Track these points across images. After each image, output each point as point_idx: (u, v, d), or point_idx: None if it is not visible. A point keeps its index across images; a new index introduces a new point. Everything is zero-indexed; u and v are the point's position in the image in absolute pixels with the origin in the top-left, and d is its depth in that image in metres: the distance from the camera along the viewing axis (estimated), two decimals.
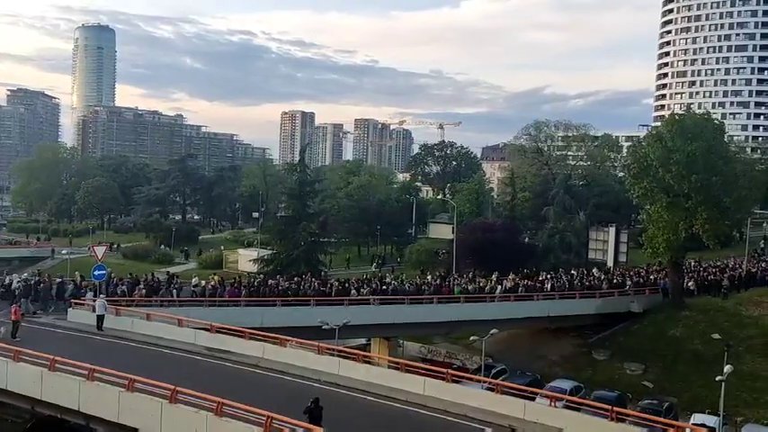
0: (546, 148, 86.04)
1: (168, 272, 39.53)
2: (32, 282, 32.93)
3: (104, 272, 32.38)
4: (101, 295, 29.60)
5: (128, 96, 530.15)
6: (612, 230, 55.61)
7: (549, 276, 45.02)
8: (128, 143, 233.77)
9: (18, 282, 32.83)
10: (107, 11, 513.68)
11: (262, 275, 48.03)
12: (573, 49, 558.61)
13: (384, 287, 38.51)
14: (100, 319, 27.91)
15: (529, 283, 42.51)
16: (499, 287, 40.78)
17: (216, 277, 37.59)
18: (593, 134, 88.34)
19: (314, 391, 21.67)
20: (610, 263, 54.36)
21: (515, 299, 39.82)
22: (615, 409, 19.78)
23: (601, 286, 43.85)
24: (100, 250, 34.78)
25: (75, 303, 29.88)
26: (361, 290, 37.24)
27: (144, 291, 32.75)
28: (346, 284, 38.30)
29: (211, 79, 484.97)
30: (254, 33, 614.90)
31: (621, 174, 76.51)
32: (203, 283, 35.48)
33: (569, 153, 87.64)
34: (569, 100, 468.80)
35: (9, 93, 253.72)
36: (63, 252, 56.05)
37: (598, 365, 39.01)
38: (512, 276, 44.01)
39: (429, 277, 45.89)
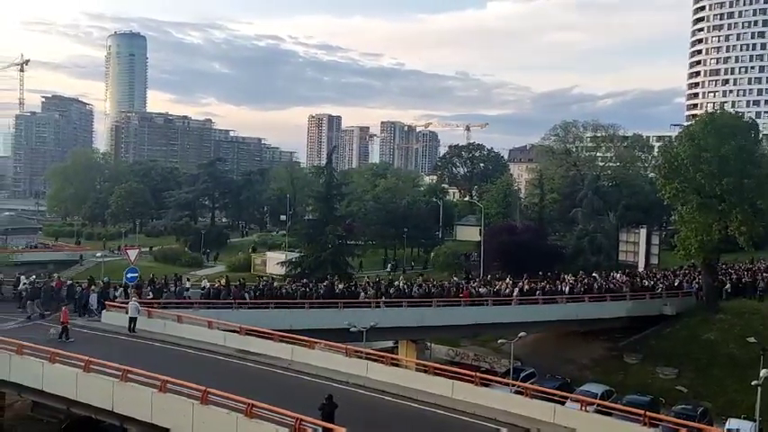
0: (574, 149, 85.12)
1: (179, 275, 39.80)
2: (40, 284, 33.47)
3: (137, 274, 33.00)
4: (133, 298, 30.13)
5: (158, 102, 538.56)
6: (644, 232, 54.87)
7: (568, 279, 44.42)
8: (158, 148, 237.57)
9: (24, 284, 33.42)
10: (138, 18, 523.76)
11: (286, 278, 48.41)
12: (600, 49, 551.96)
13: (391, 290, 38.24)
14: (132, 320, 28.41)
15: (547, 286, 41.82)
16: (516, 290, 40.42)
17: (222, 279, 37.91)
18: (622, 134, 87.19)
19: (342, 393, 21.83)
20: (641, 265, 53.60)
21: (544, 302, 39.46)
22: (648, 413, 19.47)
23: (622, 289, 43.09)
24: (133, 253, 35.42)
25: (110, 306, 30.42)
26: (368, 292, 37.19)
27: (151, 293, 33.17)
28: (354, 287, 38.26)
29: (239, 84, 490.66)
30: (281, 38, 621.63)
31: (652, 174, 75.30)
32: (207, 284, 35.85)
33: (598, 154, 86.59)
34: (597, 100, 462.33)
35: (44, 99, 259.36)
36: (97, 255, 57.23)
37: (630, 369, 38.42)
38: (526, 279, 43.68)
39: (455, 279, 45.80)
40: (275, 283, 38.58)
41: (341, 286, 38.03)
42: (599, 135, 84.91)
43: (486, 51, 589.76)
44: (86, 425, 24.98)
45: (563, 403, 21.38)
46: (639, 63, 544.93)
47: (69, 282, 35.04)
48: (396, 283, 41.34)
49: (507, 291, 40.49)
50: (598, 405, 21.86)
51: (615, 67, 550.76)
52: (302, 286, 37.36)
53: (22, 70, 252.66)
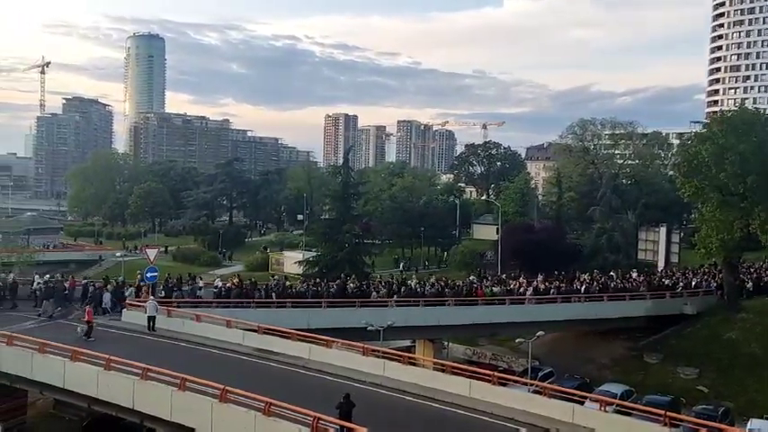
0: (592, 147, 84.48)
1: (192, 275, 40.11)
2: (53, 283, 33.81)
3: (156, 273, 33.27)
4: (151, 297, 30.42)
5: (177, 103, 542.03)
6: (663, 230, 54.26)
7: (584, 278, 44.04)
8: (177, 148, 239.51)
9: (38, 283, 33.76)
10: (157, 20, 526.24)
11: (304, 277, 48.59)
12: (619, 46, 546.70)
13: (402, 289, 38.05)
14: (151, 319, 28.70)
15: (562, 285, 41.41)
16: (530, 289, 40.18)
17: (234, 279, 38.09)
18: (641, 132, 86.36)
19: (360, 392, 21.87)
20: (661, 264, 53.03)
21: (562, 301, 39.23)
22: (668, 414, 19.27)
23: (639, 288, 42.65)
24: (152, 253, 35.69)
25: (130, 305, 30.75)
26: (380, 291, 37.13)
27: (163, 291, 33.43)
28: (366, 287, 38.21)
29: (256, 84, 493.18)
30: (297, 38, 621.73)
31: (672, 172, 74.53)
32: (220, 284, 36.02)
33: (617, 152, 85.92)
34: (616, 97, 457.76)
35: (65, 101, 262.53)
36: (117, 254, 57.91)
37: (650, 369, 38.02)
38: (541, 278, 43.40)
39: (471, 278, 45.62)
40: (287, 282, 38.63)
41: (351, 285, 38.02)
42: (617, 133, 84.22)
43: (504, 49, 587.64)
44: (108, 423, 25.32)
45: (582, 403, 21.23)
46: (659, 59, 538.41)
47: (83, 281, 35.35)
48: (408, 282, 41.17)
49: (521, 290, 40.26)
50: (618, 405, 21.68)
51: (634, 64, 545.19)
52: (313, 285, 37.42)
53: (43, 72, 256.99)
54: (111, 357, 21.40)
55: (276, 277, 41.84)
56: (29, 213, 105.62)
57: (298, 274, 54.94)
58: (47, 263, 60.77)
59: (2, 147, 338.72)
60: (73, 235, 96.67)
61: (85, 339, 26.16)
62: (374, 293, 36.72)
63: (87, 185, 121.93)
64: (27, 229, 76.82)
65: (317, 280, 40.00)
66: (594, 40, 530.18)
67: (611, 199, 65.63)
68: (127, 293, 32.39)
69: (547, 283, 41.47)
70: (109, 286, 33.42)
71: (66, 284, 34.22)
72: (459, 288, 39.26)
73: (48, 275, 36.74)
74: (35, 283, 33.87)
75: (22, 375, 23.95)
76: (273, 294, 34.68)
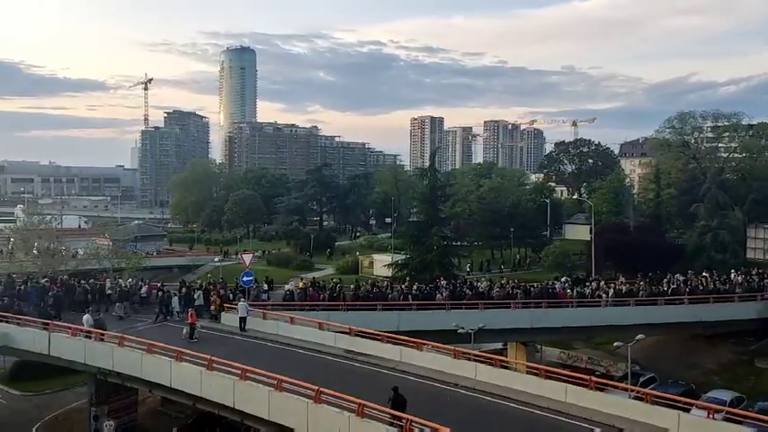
0: (693, 141, 79.94)
1: (269, 278, 41.39)
2: (127, 287, 35.47)
3: (252, 277, 34.58)
4: (242, 299, 31.60)
5: (268, 112, 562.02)
6: None
7: (676, 279, 41.61)
8: (268, 156, 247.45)
9: (110, 288, 35.47)
10: (249, 33, 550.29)
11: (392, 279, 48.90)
12: (720, 33, 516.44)
13: (468, 291, 37.33)
14: (242, 320, 29.94)
15: (650, 287, 39.32)
16: (611, 290, 38.38)
17: (302, 282, 38.58)
18: (747, 123, 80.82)
19: (451, 396, 21.80)
20: None
21: (665, 302, 37.39)
22: None
23: (734, 290, 39.82)
24: (247, 257, 37.08)
25: (228, 307, 32.06)
26: (443, 293, 36.53)
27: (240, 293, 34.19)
28: (431, 289, 37.56)
29: (343, 90, 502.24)
30: (382, 43, 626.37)
31: None
32: (292, 287, 36.62)
33: (720, 145, 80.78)
34: (718, 87, 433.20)
35: (166, 115, 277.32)
36: (215, 259, 60.62)
37: (762, 375, 35.74)
38: (622, 279, 41.33)
39: (564, 279, 44.29)
40: (350, 286, 38.86)
41: (414, 287, 37.71)
42: (720, 125, 79.16)
43: (593, 43, 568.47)
44: (210, 420, 26.52)
45: (688, 410, 20.12)
46: (763, 45, 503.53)
47: (158, 285, 36.84)
48: (477, 284, 40.27)
49: (598, 293, 38.53)
50: (727, 413, 20.39)
51: (737, 51, 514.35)
52: (376, 288, 37.50)
53: (146, 88, 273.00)
54: (213, 358, 22.36)
55: (334, 280, 42.31)
56: (136, 222, 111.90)
57: (387, 277, 55.34)
58: (153, 268, 64.25)
59: (111, 160, 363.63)
60: (175, 241, 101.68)
61: (189, 340, 27.53)
62: (438, 296, 36.40)
63: (187, 194, 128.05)
64: (135, 236, 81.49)
65: (383, 283, 39.98)
66: (691, 28, 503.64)
67: (716, 195, 61.85)
68: (195, 297, 33.48)
69: (628, 285, 39.61)
70: (184, 291, 34.62)
71: (144, 288, 35.83)
72: (534, 290, 38.14)
73: (131, 279, 38.74)
74: (107, 287, 35.69)
75: (132, 374, 25.49)
76: (335, 296, 35.23)
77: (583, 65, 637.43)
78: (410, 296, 36.11)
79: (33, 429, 32.36)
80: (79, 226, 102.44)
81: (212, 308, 32.46)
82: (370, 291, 36.59)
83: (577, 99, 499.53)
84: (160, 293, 34.34)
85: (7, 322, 28.71)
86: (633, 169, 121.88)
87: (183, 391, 23.61)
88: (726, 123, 78.72)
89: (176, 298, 33.33)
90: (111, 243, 65.36)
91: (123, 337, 25.70)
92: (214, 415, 24.17)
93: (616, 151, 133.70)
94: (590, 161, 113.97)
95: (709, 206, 61.28)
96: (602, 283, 41.29)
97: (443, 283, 39.07)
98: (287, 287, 37.22)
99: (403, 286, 37.99)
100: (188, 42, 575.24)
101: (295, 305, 33.70)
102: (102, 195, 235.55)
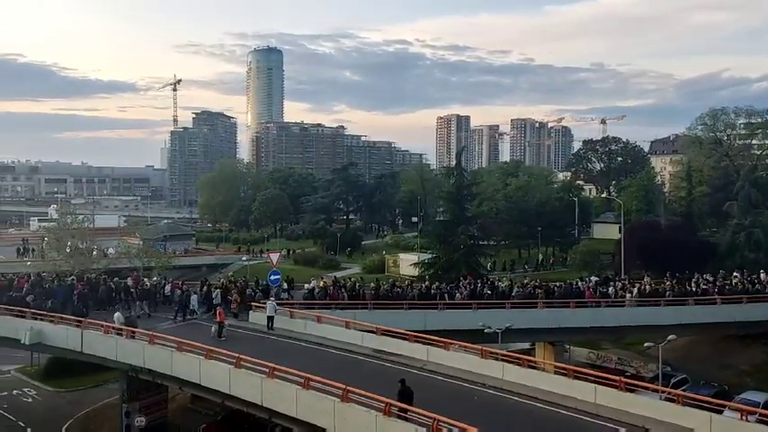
0: (725, 138, 78.45)
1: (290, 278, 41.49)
2: (148, 286, 35.62)
3: (279, 276, 34.85)
4: (271, 298, 31.84)
5: (294, 111, 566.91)
6: None
7: (705, 279, 40.74)
8: (295, 155, 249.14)
9: (132, 286, 35.59)
10: (276, 34, 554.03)
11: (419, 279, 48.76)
12: (753, 28, 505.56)
13: (488, 291, 36.95)
14: (270, 319, 30.20)
15: (676, 287, 38.56)
16: (635, 290, 37.75)
17: (323, 281, 38.82)
18: None
19: (479, 395, 21.70)
20: None
21: (695, 302, 36.75)
22: None
23: (764, 290, 38.84)
24: (275, 257, 37.40)
25: (256, 306, 32.34)
26: (463, 293, 36.29)
27: (259, 293, 34.57)
28: (451, 288, 37.33)
29: (369, 90, 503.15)
30: (408, 42, 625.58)
31: None
32: (313, 285, 36.62)
33: (754, 142, 79.21)
34: (752, 83, 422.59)
35: (194, 115, 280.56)
36: (243, 258, 61.26)
37: None
38: (647, 279, 40.51)
39: (593, 278, 43.70)
40: (370, 284, 38.75)
41: (433, 286, 37.49)
42: (754, 122, 77.51)
43: (622, 39, 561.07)
44: (239, 418, 26.79)
45: (720, 412, 19.74)
46: None
47: (179, 283, 36.87)
48: (497, 284, 39.77)
49: (620, 293, 37.95)
50: (760, 414, 19.94)
51: None
52: (396, 287, 37.40)
53: (175, 90, 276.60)
54: (241, 356, 22.57)
55: (353, 279, 42.27)
56: (165, 221, 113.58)
57: (413, 276, 55.29)
58: (182, 267, 65.16)
59: (141, 160, 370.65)
60: (204, 241, 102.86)
61: (217, 339, 27.85)
62: (458, 295, 36.24)
63: (215, 194, 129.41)
64: (164, 235, 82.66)
65: (400, 282, 39.70)
66: (723, 23, 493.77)
67: (749, 193, 60.49)
68: (213, 296, 33.63)
69: (653, 285, 38.93)
70: (204, 290, 34.70)
71: (168, 287, 35.84)
72: (558, 290, 37.68)
73: (156, 278, 39.15)
74: (130, 286, 35.82)
75: (163, 372, 25.87)
76: (354, 295, 35.36)
77: (612, 62, 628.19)
78: (429, 295, 35.93)
79: (66, 425, 33.06)
80: (119, 225, 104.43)
81: (232, 307, 32.64)
82: (389, 290, 36.57)
83: (606, 96, 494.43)
84: (179, 292, 34.56)
85: (41, 320, 29.34)
86: (664, 167, 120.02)
87: (212, 388, 23.86)
88: (759, 120, 77.09)
89: (195, 296, 33.52)
90: (141, 242, 66.44)
91: (154, 335, 26.08)
92: (242, 412, 24.40)
93: (646, 149, 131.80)
94: (619, 159, 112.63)
95: (743, 204, 59.99)
96: (627, 282, 40.72)
97: (464, 282, 38.82)
98: (307, 286, 37.32)
99: (423, 285, 37.85)
100: (216, 44, 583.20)
101: (315, 304, 33.81)
102: (132, 195, 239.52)
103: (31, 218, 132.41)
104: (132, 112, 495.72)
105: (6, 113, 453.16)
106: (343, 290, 35.96)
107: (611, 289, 38.62)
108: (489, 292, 36.86)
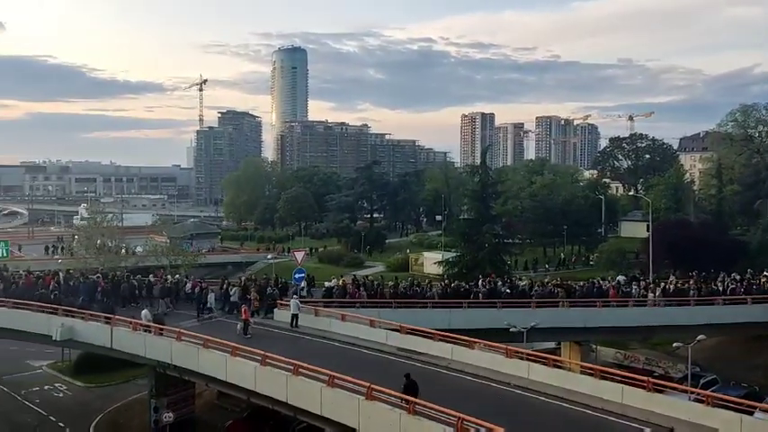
0: (757, 135, 76.84)
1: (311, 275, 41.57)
2: (169, 283, 35.89)
3: (304, 274, 35.06)
4: (294, 296, 31.99)
5: (319, 110, 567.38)
6: None
7: (730, 278, 39.80)
8: (319, 154, 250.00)
9: (154, 284, 35.94)
10: (300, 33, 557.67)
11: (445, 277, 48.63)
12: None
13: (507, 290, 36.59)
14: (294, 317, 30.36)
15: (702, 286, 37.75)
16: (659, 289, 37.08)
17: (342, 279, 38.78)
18: None
19: (504, 395, 21.60)
20: None
21: (724, 302, 36.08)
22: None
23: None
24: (299, 255, 37.70)
25: (281, 305, 32.54)
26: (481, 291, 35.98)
27: (276, 291, 34.44)
28: (469, 287, 37.01)
29: (393, 88, 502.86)
30: (433, 40, 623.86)
31: None
32: (333, 283, 36.67)
33: None
34: None
35: (220, 115, 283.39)
36: (268, 257, 61.70)
37: None
38: (672, 278, 39.72)
39: (620, 278, 43.08)
40: (389, 283, 38.53)
41: (453, 284, 37.28)
42: None
43: (651, 35, 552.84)
44: (265, 415, 27.02)
45: (751, 413, 19.38)
46: None
47: (200, 281, 36.88)
48: (517, 282, 39.45)
49: (643, 292, 37.25)
50: None
51: None
52: (415, 286, 37.29)
53: (201, 89, 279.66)
54: (267, 354, 22.75)
55: (371, 277, 42.18)
56: (191, 220, 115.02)
57: (438, 275, 55.16)
58: (208, 265, 65.91)
59: (168, 159, 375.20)
60: (229, 239, 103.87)
61: (243, 336, 28.11)
62: (479, 294, 35.93)
63: (240, 192, 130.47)
64: (191, 234, 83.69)
65: (421, 281, 39.52)
66: (754, 18, 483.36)
67: None
68: (231, 293, 33.67)
69: (678, 284, 38.23)
70: (226, 287, 34.60)
71: (189, 285, 35.91)
72: (580, 289, 37.15)
73: (178, 276, 39.34)
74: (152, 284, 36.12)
75: (190, 368, 26.19)
76: (373, 294, 35.22)
77: (640, 57, 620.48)
78: (450, 294, 35.74)
79: (96, 420, 33.68)
80: (154, 223, 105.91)
81: (253, 305, 32.46)
82: (408, 288, 36.50)
83: (634, 93, 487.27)
84: (197, 289, 34.63)
85: (72, 317, 29.90)
86: (693, 164, 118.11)
87: (238, 385, 24.10)
88: None
89: (212, 294, 33.59)
90: (168, 240, 67.31)
91: (181, 332, 26.39)
92: (268, 409, 24.60)
93: (675, 146, 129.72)
94: (647, 156, 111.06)
95: None
96: (651, 282, 40.10)
97: (483, 281, 38.57)
98: (327, 284, 37.47)
99: (442, 283, 37.67)
100: (241, 43, 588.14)
101: (334, 302, 33.89)
102: (159, 194, 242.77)
103: (74, 216, 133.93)
104: (159, 111, 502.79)
105: (38, 114, 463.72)
106: (362, 288, 36.04)
107: (633, 288, 38.09)
108: (509, 290, 36.64)
